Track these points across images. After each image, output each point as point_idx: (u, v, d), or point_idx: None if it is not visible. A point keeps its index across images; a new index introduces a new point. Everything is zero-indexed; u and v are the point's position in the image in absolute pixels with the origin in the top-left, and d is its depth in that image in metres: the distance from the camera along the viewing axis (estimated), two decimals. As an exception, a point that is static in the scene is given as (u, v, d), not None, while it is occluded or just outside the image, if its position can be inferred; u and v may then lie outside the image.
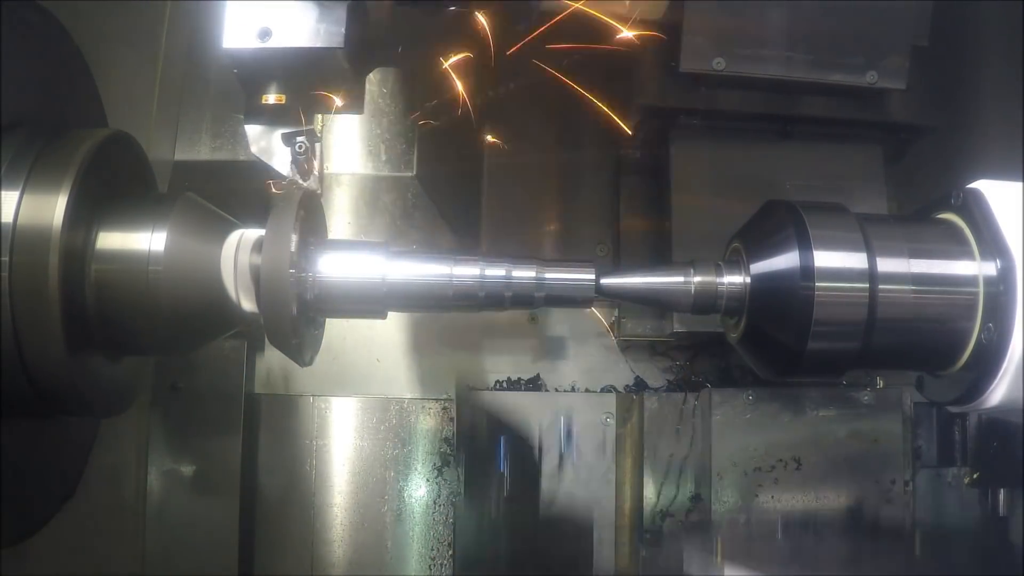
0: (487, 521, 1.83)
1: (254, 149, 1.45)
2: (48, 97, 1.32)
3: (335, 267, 1.25)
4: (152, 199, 1.31)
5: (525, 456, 1.93)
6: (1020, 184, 1.30)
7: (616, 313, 2.05)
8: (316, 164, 1.48)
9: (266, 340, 1.90)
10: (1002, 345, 1.22)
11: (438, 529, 1.96)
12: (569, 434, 1.98)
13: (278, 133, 1.44)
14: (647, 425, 2.00)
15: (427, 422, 2.00)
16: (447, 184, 2.09)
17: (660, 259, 1.97)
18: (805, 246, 1.26)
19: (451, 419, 1.99)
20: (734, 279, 1.32)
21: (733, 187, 1.89)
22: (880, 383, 1.95)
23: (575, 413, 2.00)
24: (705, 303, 1.34)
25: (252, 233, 1.24)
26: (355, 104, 1.53)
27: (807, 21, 1.72)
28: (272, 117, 1.43)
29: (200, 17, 2.02)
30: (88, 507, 1.50)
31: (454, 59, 1.69)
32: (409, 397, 2.00)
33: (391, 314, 1.33)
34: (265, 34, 1.35)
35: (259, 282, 1.20)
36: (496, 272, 1.28)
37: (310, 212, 1.27)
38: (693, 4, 1.70)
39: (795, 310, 1.25)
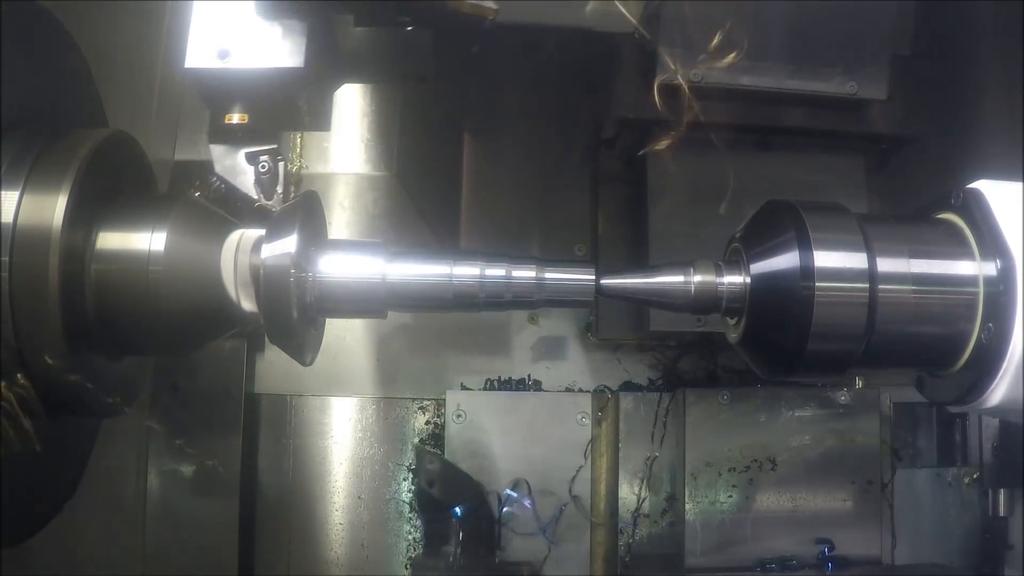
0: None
1: (219, 168, 1.45)
2: (48, 97, 1.31)
3: (335, 267, 1.25)
4: (152, 199, 1.31)
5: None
6: (1020, 184, 1.30)
7: (592, 314, 2.05)
8: (280, 184, 1.48)
9: (266, 340, 1.92)
10: (1002, 345, 1.22)
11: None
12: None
13: (242, 152, 1.45)
14: (622, 425, 2.00)
15: (426, 422, 2.00)
16: (427, 184, 2.10)
17: (637, 264, 1.97)
18: (805, 246, 1.26)
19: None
20: (734, 279, 1.32)
21: (711, 197, 1.88)
22: (859, 383, 1.94)
23: (551, 413, 2.01)
24: (705, 303, 1.34)
25: (252, 233, 1.24)
26: (321, 121, 1.53)
27: (786, 31, 1.71)
28: (236, 136, 1.44)
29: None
30: (88, 507, 1.50)
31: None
32: (409, 397, 2.00)
33: (391, 314, 1.33)
34: (224, 54, 1.35)
35: (259, 282, 1.20)
36: (496, 272, 1.28)
37: (310, 212, 1.27)
38: (669, 14, 1.69)
39: (795, 310, 1.25)
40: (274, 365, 1.98)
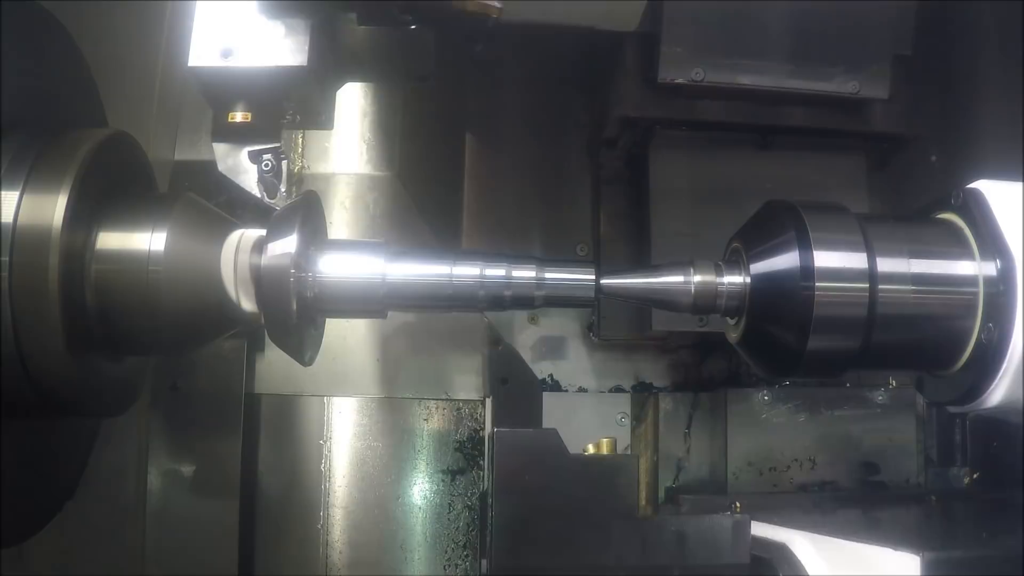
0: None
1: (222, 167, 1.45)
2: (48, 97, 1.32)
3: (335, 267, 1.25)
4: (152, 199, 1.31)
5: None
6: (1020, 184, 1.30)
7: (594, 314, 2.05)
8: (283, 181, 1.48)
9: (266, 340, 1.92)
10: (1002, 345, 1.22)
11: (452, 531, 1.95)
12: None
13: (245, 151, 1.44)
14: (662, 425, 2.01)
15: (426, 422, 2.00)
16: (429, 184, 2.10)
17: (639, 264, 1.98)
18: (805, 246, 1.26)
19: (473, 417, 1.98)
20: (734, 279, 1.32)
21: (713, 196, 1.89)
22: (893, 383, 1.95)
23: (589, 413, 2.01)
24: (705, 303, 1.34)
25: (252, 233, 1.24)
26: (324, 120, 1.53)
27: (788, 30, 1.71)
28: (239, 135, 1.43)
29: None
30: (88, 507, 1.50)
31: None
32: (409, 397, 2.00)
33: (391, 314, 1.33)
34: (228, 53, 1.34)
35: (259, 282, 1.20)
36: (496, 272, 1.28)
37: (310, 212, 1.27)
38: (671, 14, 1.69)
39: (795, 310, 1.25)
40: (274, 365, 1.98)
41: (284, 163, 1.47)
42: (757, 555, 1.42)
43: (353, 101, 2.08)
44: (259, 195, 1.46)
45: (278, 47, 1.36)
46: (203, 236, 1.22)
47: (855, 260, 1.26)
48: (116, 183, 1.24)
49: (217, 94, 1.41)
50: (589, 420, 2.03)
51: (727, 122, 1.86)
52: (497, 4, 1.42)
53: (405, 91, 2.06)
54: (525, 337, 2.09)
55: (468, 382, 2.04)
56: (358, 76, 1.82)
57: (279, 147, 1.44)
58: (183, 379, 1.89)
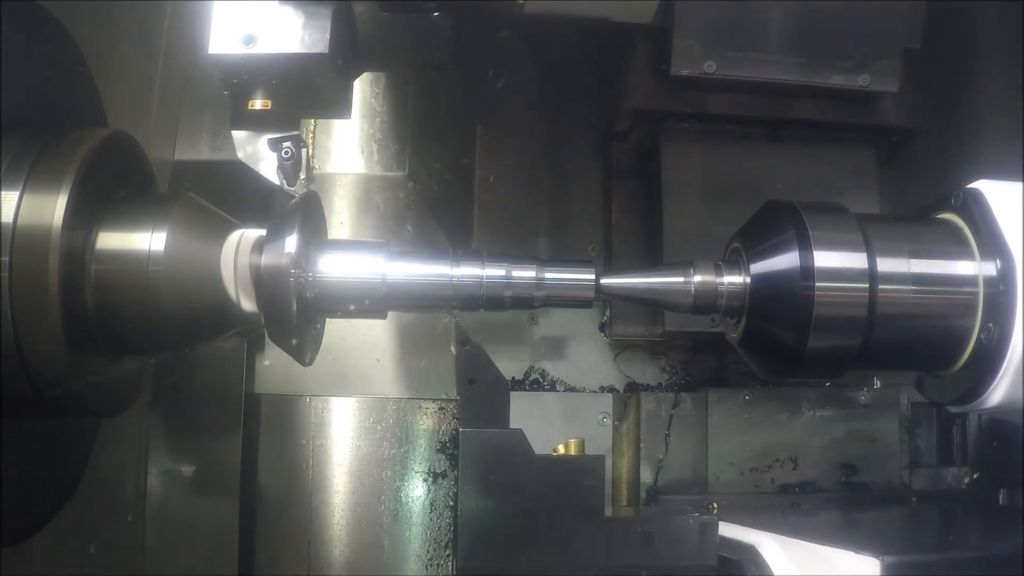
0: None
1: (241, 155, 1.45)
2: (48, 97, 1.32)
3: (335, 267, 1.25)
4: (152, 199, 1.31)
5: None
6: (1020, 184, 1.30)
7: (607, 314, 2.05)
8: (303, 170, 1.48)
9: (266, 340, 1.92)
10: (1002, 345, 1.22)
11: (435, 531, 1.96)
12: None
13: (264, 139, 1.44)
14: (644, 425, 2.01)
15: (426, 422, 2.00)
16: (439, 184, 2.10)
17: (651, 261, 1.98)
18: (805, 246, 1.26)
19: (455, 418, 1.98)
20: (734, 279, 1.32)
21: (724, 190, 1.89)
22: (877, 383, 1.95)
23: (572, 412, 2.01)
24: (705, 303, 1.34)
25: (252, 233, 1.24)
26: (342, 109, 1.52)
27: (799, 23, 1.71)
28: (258, 123, 1.43)
29: (201, 17, 2.02)
30: (88, 507, 1.50)
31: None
32: (408, 397, 2.00)
33: (391, 314, 1.33)
34: (250, 40, 1.34)
35: (259, 282, 1.20)
36: (496, 272, 1.28)
37: (310, 212, 1.27)
38: (683, 6, 1.69)
39: (795, 310, 1.25)
40: (274, 365, 1.98)
41: (303, 151, 1.46)
42: (725, 556, 1.42)
43: (363, 101, 2.08)
44: (278, 183, 1.46)
45: (299, 35, 1.36)
46: (203, 236, 1.22)
47: (855, 260, 1.26)
48: (116, 183, 1.24)
49: (238, 81, 1.40)
50: (571, 420, 2.02)
51: (738, 115, 1.87)
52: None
53: (419, 83, 2.05)
54: (527, 336, 2.09)
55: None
56: (376, 65, 1.81)
57: (298, 135, 1.44)
58: (183, 379, 1.89)
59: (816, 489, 1.90)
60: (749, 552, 1.40)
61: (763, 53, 1.72)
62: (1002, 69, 2.01)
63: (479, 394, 1.72)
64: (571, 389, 2.06)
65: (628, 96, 1.85)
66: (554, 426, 2.00)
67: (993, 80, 2.05)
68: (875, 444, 1.93)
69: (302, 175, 1.48)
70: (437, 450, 1.98)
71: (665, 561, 1.39)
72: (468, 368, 1.71)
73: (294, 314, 1.20)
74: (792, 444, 1.92)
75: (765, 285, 1.30)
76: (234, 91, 1.41)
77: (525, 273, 1.29)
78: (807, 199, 1.33)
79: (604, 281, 1.32)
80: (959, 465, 2.03)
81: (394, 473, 1.97)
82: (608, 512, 1.92)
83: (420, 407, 2.00)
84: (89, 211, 1.17)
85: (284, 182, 1.46)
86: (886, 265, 1.27)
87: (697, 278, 1.33)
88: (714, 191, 1.90)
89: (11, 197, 1.11)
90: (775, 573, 1.35)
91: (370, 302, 1.27)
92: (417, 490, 1.97)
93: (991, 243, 1.26)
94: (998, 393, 1.25)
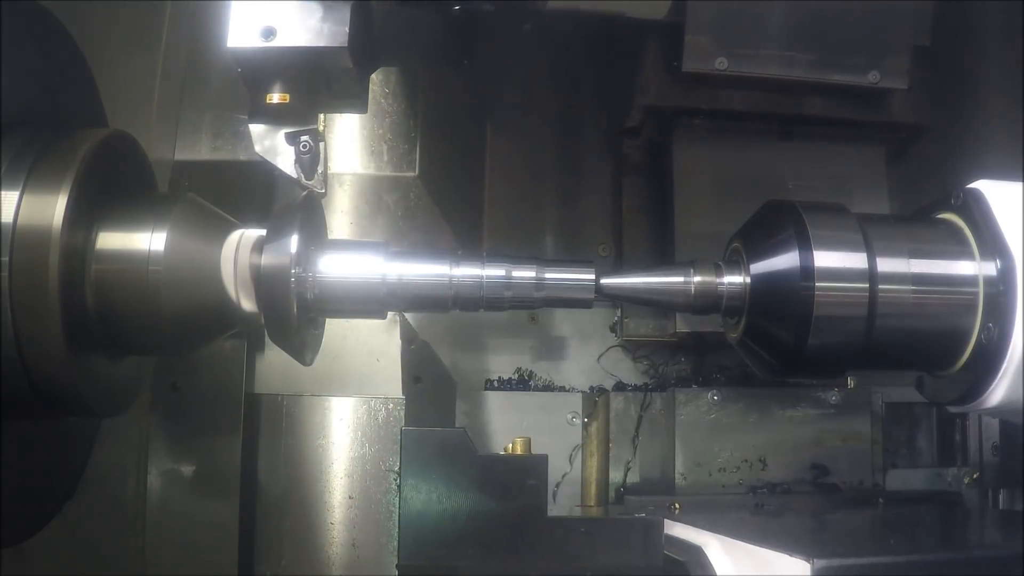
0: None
1: (258, 148, 1.45)
2: (48, 97, 1.32)
3: (335, 267, 1.26)
4: (152, 199, 1.31)
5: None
6: (1020, 184, 1.30)
7: (618, 313, 2.06)
8: (320, 163, 1.48)
9: (266, 340, 1.92)
10: (1002, 345, 1.22)
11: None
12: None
13: (282, 132, 1.44)
14: (613, 425, 2.00)
15: (427, 422, 2.00)
16: (449, 184, 2.10)
17: (662, 259, 1.98)
18: (805, 246, 1.26)
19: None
20: (734, 279, 1.32)
21: (735, 187, 1.89)
22: (851, 383, 1.94)
23: (540, 411, 2.00)
24: (705, 303, 1.34)
25: (252, 233, 1.24)
26: (360, 103, 1.52)
27: (809, 21, 1.71)
28: (276, 116, 1.43)
29: (201, 16, 2.03)
30: (88, 507, 1.50)
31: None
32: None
33: (391, 314, 1.33)
34: (269, 33, 1.34)
35: (259, 282, 1.20)
36: (496, 272, 1.29)
37: (310, 212, 1.27)
38: (695, 4, 1.69)
39: (795, 310, 1.25)
40: (274, 365, 1.98)
41: (322, 145, 1.46)
42: (673, 557, 1.42)
43: (373, 100, 2.08)
44: (296, 176, 1.46)
45: (318, 28, 1.36)
46: (203, 236, 1.22)
47: (855, 260, 1.26)
48: (116, 183, 1.24)
49: (256, 75, 1.40)
50: (539, 419, 2.02)
51: (748, 112, 1.87)
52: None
53: (430, 77, 2.05)
54: (527, 336, 2.09)
55: (469, 382, 2.04)
56: (393, 59, 1.81)
57: (316, 129, 1.44)
58: (183, 379, 1.89)
59: (785, 490, 1.88)
60: (696, 553, 1.40)
61: (774, 50, 1.72)
62: (1005, 66, 2.02)
63: (425, 393, 1.72)
64: (549, 388, 2.06)
65: (639, 93, 1.85)
66: (522, 426, 2.00)
67: (997, 77, 2.06)
68: (846, 445, 1.91)
69: (320, 168, 1.48)
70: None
71: (610, 562, 1.39)
72: (414, 367, 1.71)
73: (294, 314, 1.20)
74: (761, 445, 1.90)
75: (765, 285, 1.30)
76: (252, 85, 1.41)
77: (525, 273, 1.29)
78: (816, 197, 1.33)
79: (604, 281, 1.32)
80: (959, 465, 2.03)
81: (395, 473, 1.97)
82: (577, 512, 1.94)
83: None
84: (89, 211, 1.17)
85: (302, 176, 1.46)
86: (886, 265, 1.27)
87: (697, 278, 1.33)
88: (725, 188, 1.91)
89: (11, 197, 1.11)
90: (718, 574, 1.35)
91: (370, 302, 1.27)
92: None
93: (991, 243, 1.26)
94: (998, 393, 1.25)
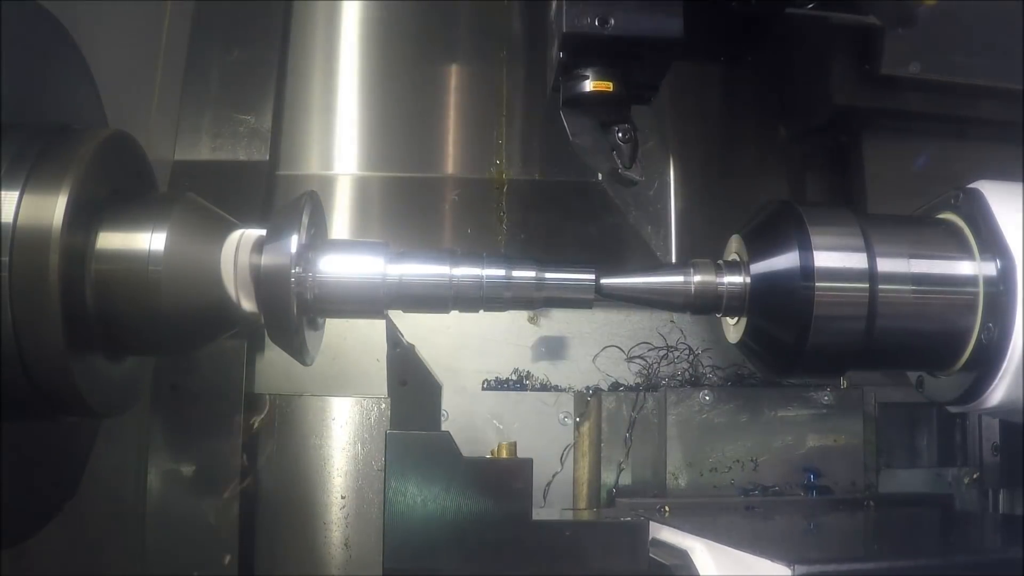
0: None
1: (573, 137, 1.45)
2: (48, 97, 1.32)
3: (335, 267, 1.25)
4: (152, 199, 1.31)
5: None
6: (1020, 184, 1.30)
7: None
8: (637, 151, 1.48)
9: (266, 340, 1.92)
10: (1002, 345, 1.22)
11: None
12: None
13: (595, 122, 1.45)
14: (605, 425, 2.00)
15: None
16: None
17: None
18: (805, 246, 1.26)
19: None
20: (734, 279, 1.32)
21: (920, 184, 1.92)
22: (843, 383, 1.94)
23: (533, 413, 2.00)
24: (705, 303, 1.34)
25: (252, 233, 1.24)
26: (650, 97, 1.56)
27: (999, 26, 1.75)
28: (593, 104, 1.44)
29: (201, 16, 2.03)
30: (88, 507, 1.50)
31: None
32: (409, 397, 2.00)
33: (391, 313, 1.33)
34: (605, 20, 1.34)
35: (259, 282, 1.20)
36: (496, 272, 1.28)
37: (311, 212, 1.27)
38: (897, 8, 1.73)
39: (795, 310, 1.25)
40: (274, 365, 1.98)
41: (636, 133, 1.48)
42: (658, 561, 1.42)
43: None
44: (616, 164, 1.47)
45: (654, 18, 1.36)
46: (203, 236, 1.22)
47: (855, 260, 1.26)
48: (116, 183, 1.24)
49: (585, 61, 1.41)
50: (532, 419, 2.02)
51: (932, 113, 1.91)
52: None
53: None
54: (526, 336, 2.09)
55: (468, 382, 2.04)
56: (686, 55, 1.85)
57: (631, 118, 1.47)
58: (183, 379, 1.89)
59: (776, 493, 1.88)
60: (682, 556, 1.40)
61: (963, 56, 1.77)
62: None
63: (410, 396, 1.72)
64: (546, 388, 2.06)
65: (834, 93, 1.89)
66: (513, 427, 2.00)
67: None
68: (838, 446, 1.91)
69: (638, 158, 1.48)
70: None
71: (595, 565, 1.39)
72: (399, 370, 1.71)
73: (294, 314, 1.20)
74: (753, 445, 1.90)
75: (765, 285, 1.30)
76: (572, 72, 1.41)
77: (525, 273, 1.29)
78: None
79: (604, 281, 1.32)
80: (959, 465, 2.03)
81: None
82: (568, 514, 1.94)
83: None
84: (89, 211, 1.17)
85: (620, 163, 1.46)
86: (886, 265, 1.27)
87: (697, 278, 1.33)
88: (912, 186, 1.94)
89: (11, 197, 1.11)
90: None
91: (370, 302, 1.27)
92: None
93: (991, 243, 1.26)
94: (998, 393, 1.25)
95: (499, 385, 2.05)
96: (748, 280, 1.31)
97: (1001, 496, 1.98)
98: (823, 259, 1.25)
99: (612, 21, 1.33)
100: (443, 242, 2.15)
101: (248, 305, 1.22)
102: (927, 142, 1.97)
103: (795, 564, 1.15)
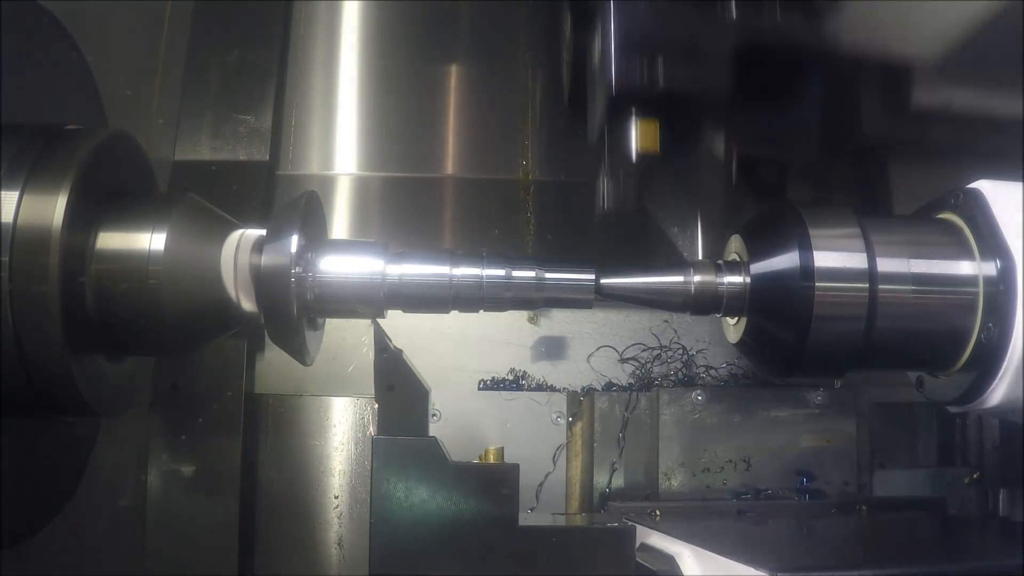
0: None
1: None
2: (48, 97, 1.32)
3: (335, 267, 1.26)
4: (152, 199, 1.31)
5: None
6: (1020, 184, 1.30)
7: None
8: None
9: (266, 340, 1.92)
10: (1002, 345, 1.22)
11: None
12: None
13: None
14: (598, 425, 1.99)
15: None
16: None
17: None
18: (805, 246, 1.26)
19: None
20: (734, 279, 1.32)
21: None
22: (837, 383, 1.93)
23: (526, 413, 2.00)
24: (705, 303, 1.34)
25: (252, 233, 1.24)
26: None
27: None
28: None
29: (201, 16, 2.03)
30: (88, 507, 1.50)
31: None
32: (409, 397, 2.00)
33: (389, 314, 1.33)
34: (653, 77, 1.33)
35: (259, 282, 1.20)
36: (496, 272, 1.29)
37: (310, 212, 1.27)
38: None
39: (795, 310, 1.26)
40: (274, 365, 1.98)
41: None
42: (645, 566, 1.42)
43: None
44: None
45: (703, 73, 1.34)
46: (203, 236, 1.22)
47: (855, 260, 1.26)
48: (116, 183, 1.24)
49: (630, 115, 1.39)
50: (525, 419, 2.01)
51: (957, 144, 1.91)
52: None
53: None
54: (526, 336, 2.09)
55: (467, 382, 2.04)
56: None
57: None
58: (183, 379, 1.89)
59: (769, 496, 1.87)
60: (668, 562, 1.40)
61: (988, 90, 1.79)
62: None
63: (397, 400, 1.72)
64: (542, 388, 2.05)
65: (860, 127, 1.91)
66: (506, 428, 1.99)
67: None
68: (831, 446, 1.90)
69: None
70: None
71: (581, 571, 1.39)
72: (387, 375, 1.71)
73: (294, 314, 1.20)
74: (746, 445, 1.89)
75: (765, 285, 1.30)
76: (615, 130, 1.40)
77: (525, 273, 1.29)
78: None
79: (604, 281, 1.32)
80: (959, 465, 2.03)
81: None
82: (560, 519, 1.93)
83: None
84: (89, 211, 1.17)
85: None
86: (886, 265, 1.27)
87: (697, 278, 1.33)
88: None
89: (11, 197, 1.11)
90: None
91: (370, 302, 1.27)
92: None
93: (991, 243, 1.26)
94: (998, 393, 1.25)
95: (495, 385, 2.05)
96: (748, 280, 1.31)
97: (1001, 496, 1.98)
98: (823, 259, 1.25)
99: (661, 77, 1.30)
100: (444, 243, 2.14)
101: (248, 305, 1.22)
102: (954, 172, 1.99)
103: (777, 572, 1.15)
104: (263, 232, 1.23)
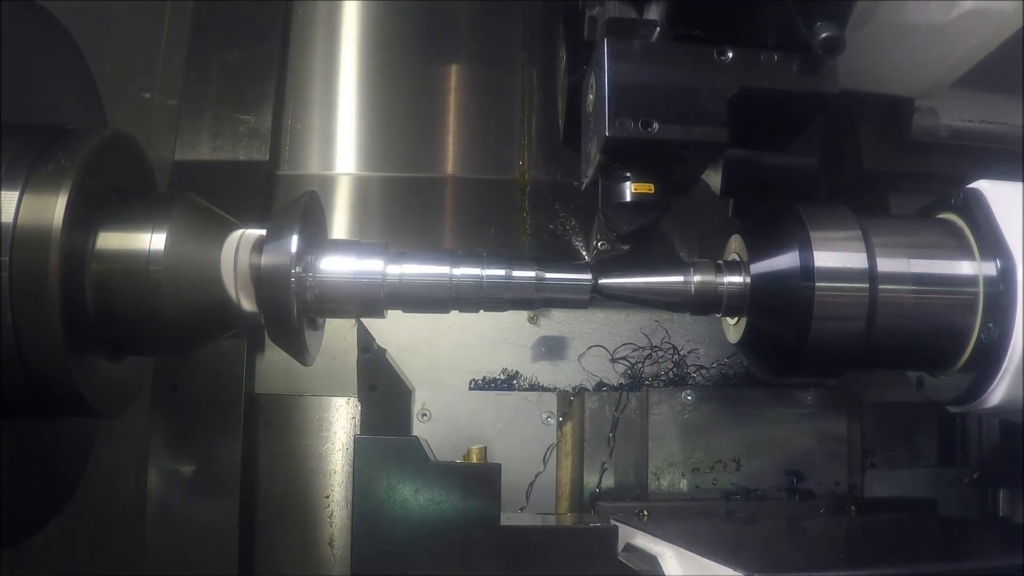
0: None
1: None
2: (48, 97, 1.32)
3: (335, 267, 1.26)
4: (152, 199, 1.31)
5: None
6: (1020, 184, 1.30)
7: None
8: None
9: (266, 340, 1.92)
10: (1002, 345, 1.22)
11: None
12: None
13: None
14: (588, 425, 1.99)
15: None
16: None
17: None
18: (805, 246, 1.26)
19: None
20: (734, 279, 1.32)
21: None
22: (833, 383, 1.93)
23: (516, 413, 1.99)
24: (705, 303, 1.34)
25: (252, 233, 1.24)
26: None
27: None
28: (635, 207, 1.41)
29: (201, 16, 2.03)
30: (88, 507, 1.50)
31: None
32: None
33: (390, 314, 1.33)
34: (648, 124, 1.28)
35: (259, 282, 1.20)
36: (496, 272, 1.29)
37: (310, 212, 1.27)
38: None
39: (795, 310, 1.25)
40: (274, 365, 1.98)
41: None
42: (628, 566, 1.42)
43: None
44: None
45: (700, 121, 1.29)
46: (203, 236, 1.22)
47: (855, 260, 1.26)
48: (116, 183, 1.24)
49: (625, 162, 1.36)
50: (516, 419, 2.01)
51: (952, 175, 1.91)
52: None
53: None
54: (525, 336, 2.09)
55: (466, 382, 2.04)
56: None
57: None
58: (183, 379, 1.89)
59: (759, 497, 1.85)
60: (651, 562, 1.40)
61: (987, 121, 1.80)
62: None
63: (380, 400, 1.72)
64: (534, 388, 2.05)
65: (865, 157, 1.91)
66: (495, 427, 1.99)
67: None
68: (822, 446, 1.90)
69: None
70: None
71: (563, 571, 1.39)
72: (369, 374, 1.71)
73: (294, 314, 1.20)
74: (736, 445, 1.89)
75: (765, 285, 1.30)
76: (611, 173, 1.37)
77: (524, 274, 1.29)
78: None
79: (603, 281, 1.32)
80: (959, 465, 2.03)
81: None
82: (550, 519, 1.93)
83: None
84: (89, 211, 1.17)
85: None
86: (886, 265, 1.27)
87: (697, 278, 1.33)
88: None
89: (11, 197, 1.11)
90: None
91: (370, 303, 1.27)
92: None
93: (991, 243, 1.26)
94: (998, 393, 1.25)
95: (486, 385, 2.04)
96: (748, 280, 1.31)
97: (1001, 496, 1.98)
98: (823, 259, 1.25)
99: (656, 125, 1.26)
100: (443, 242, 2.14)
101: (248, 305, 1.22)
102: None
103: (755, 573, 1.15)
104: (263, 232, 1.23)
